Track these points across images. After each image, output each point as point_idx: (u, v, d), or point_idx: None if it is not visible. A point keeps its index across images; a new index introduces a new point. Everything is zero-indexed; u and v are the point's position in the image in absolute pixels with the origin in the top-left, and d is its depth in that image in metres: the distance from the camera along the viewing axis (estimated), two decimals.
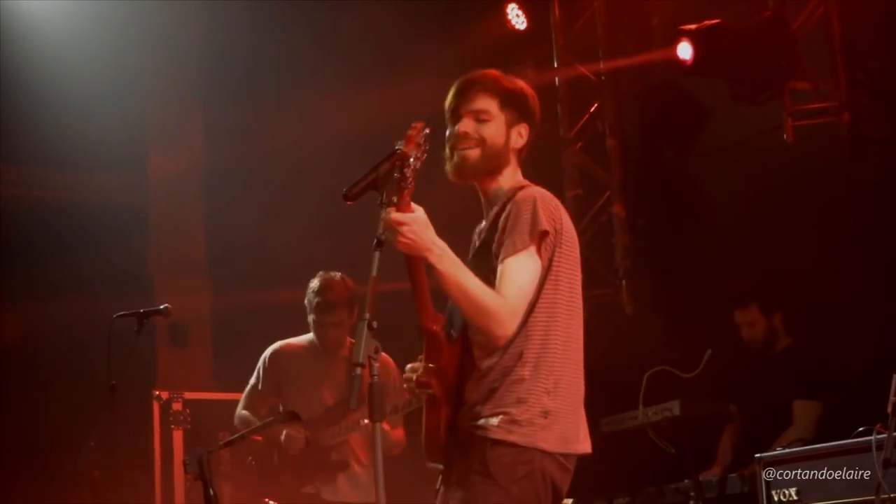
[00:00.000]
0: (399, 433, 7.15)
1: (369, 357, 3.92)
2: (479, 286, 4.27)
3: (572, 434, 4.44)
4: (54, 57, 10.05)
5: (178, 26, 10.63)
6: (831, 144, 7.75)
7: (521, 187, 4.54)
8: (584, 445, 4.50)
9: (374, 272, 4.02)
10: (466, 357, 4.44)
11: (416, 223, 4.18)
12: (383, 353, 6.96)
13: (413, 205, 4.21)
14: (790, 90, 7.96)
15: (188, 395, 8.90)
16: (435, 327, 4.41)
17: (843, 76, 7.75)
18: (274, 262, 9.99)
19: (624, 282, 9.18)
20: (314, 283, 7.28)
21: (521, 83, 4.66)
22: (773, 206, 8.24)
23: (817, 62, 7.96)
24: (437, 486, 4.55)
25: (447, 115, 4.58)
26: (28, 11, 9.98)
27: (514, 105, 4.58)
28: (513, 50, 9.62)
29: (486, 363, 4.39)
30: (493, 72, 4.64)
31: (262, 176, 10.41)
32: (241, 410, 7.41)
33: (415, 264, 4.26)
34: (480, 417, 4.35)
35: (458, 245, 4.37)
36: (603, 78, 9.44)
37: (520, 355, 4.36)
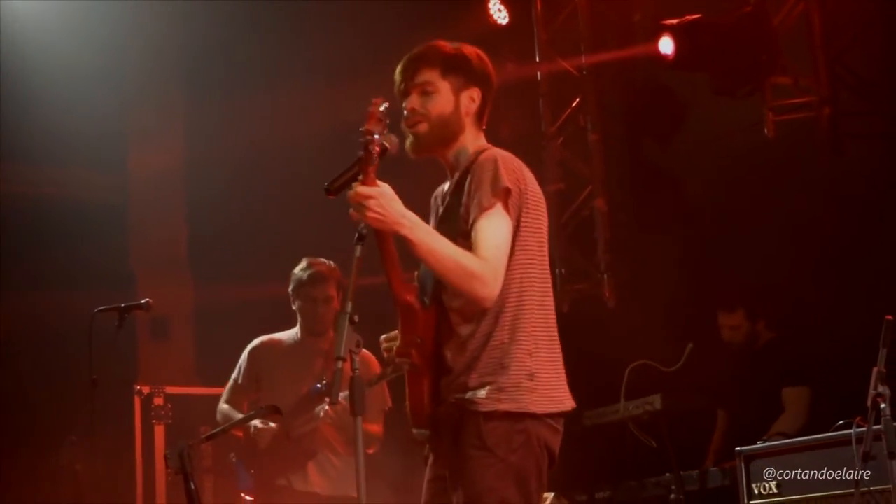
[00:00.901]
0: (375, 428, 7.13)
1: (350, 351, 3.92)
2: (456, 251, 4.25)
3: (557, 393, 4.45)
4: (34, 53, 10.02)
5: (158, 22, 10.60)
6: (812, 139, 7.77)
7: (483, 150, 4.53)
8: (569, 402, 4.50)
9: (356, 267, 4.02)
10: (444, 324, 4.43)
11: (382, 196, 4.16)
12: (364, 350, 6.96)
13: (378, 181, 4.20)
14: (771, 85, 7.99)
15: (170, 390, 8.89)
16: (409, 297, 4.39)
17: (823, 71, 7.78)
18: (255, 257, 9.97)
19: (606, 276, 9.19)
20: (300, 264, 7.27)
21: (465, 47, 4.64)
22: (754, 200, 8.26)
23: (798, 57, 7.98)
24: (426, 453, 4.57)
25: (398, 96, 4.59)
26: (7, 8, 9.94)
27: (458, 70, 4.56)
28: (494, 44, 9.61)
29: (466, 329, 4.39)
30: (435, 42, 4.63)
31: (243, 171, 10.39)
32: (222, 405, 7.40)
33: (383, 237, 4.24)
34: (467, 389, 4.35)
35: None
36: (585, 73, 9.44)
37: (497, 319, 4.36)
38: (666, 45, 8.15)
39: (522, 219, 4.40)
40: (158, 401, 8.83)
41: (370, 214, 4.13)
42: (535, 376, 4.37)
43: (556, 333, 4.50)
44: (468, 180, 4.40)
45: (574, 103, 9.50)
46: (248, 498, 7.27)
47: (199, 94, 10.88)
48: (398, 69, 4.60)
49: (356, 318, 3.93)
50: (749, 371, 7.73)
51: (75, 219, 10.42)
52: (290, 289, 7.28)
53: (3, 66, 9.85)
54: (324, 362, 7.18)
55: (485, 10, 9.53)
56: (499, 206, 4.31)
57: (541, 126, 9.57)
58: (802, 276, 7.84)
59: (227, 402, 7.38)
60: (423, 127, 4.51)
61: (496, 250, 4.29)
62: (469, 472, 4.31)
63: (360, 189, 4.14)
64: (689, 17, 8.10)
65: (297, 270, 7.26)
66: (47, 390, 9.61)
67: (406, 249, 4.26)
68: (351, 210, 4.15)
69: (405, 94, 4.56)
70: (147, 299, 7.38)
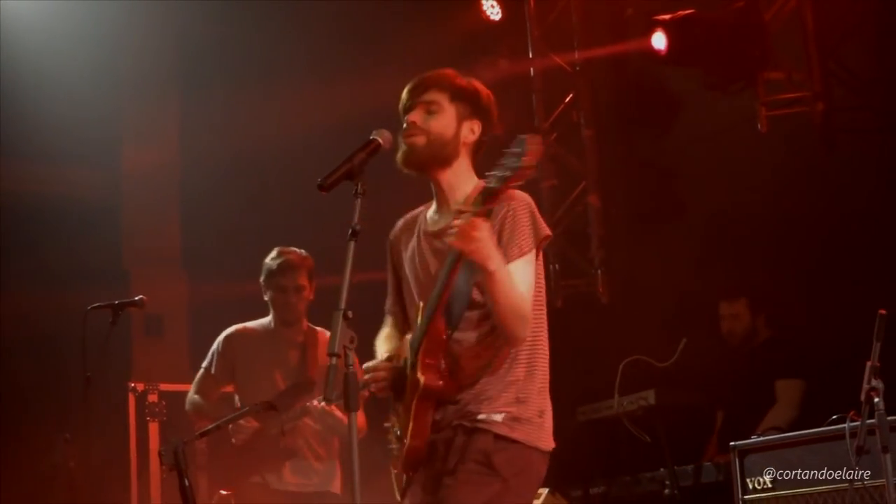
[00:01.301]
0: (359, 420, 7.11)
1: (345, 347, 3.92)
2: (521, 294, 4.30)
3: (553, 431, 4.55)
4: (28, 51, 10.01)
5: (153, 19, 10.60)
6: (805, 134, 7.78)
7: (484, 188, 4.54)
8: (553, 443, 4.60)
9: (349, 263, 4.02)
10: (452, 356, 4.45)
11: (487, 230, 4.18)
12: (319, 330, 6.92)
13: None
14: (764, 80, 7.99)
15: (164, 387, 8.88)
16: (441, 325, 4.39)
17: (816, 66, 7.77)
18: (249, 254, 9.91)
19: (599, 272, 9.20)
20: (271, 254, 7.23)
21: (475, 82, 4.67)
22: (747, 195, 8.26)
23: (790, 52, 7.98)
24: (403, 486, 4.57)
25: (402, 113, 4.60)
26: (1, 7, 9.93)
27: (466, 100, 4.59)
28: (488, 40, 9.63)
29: (475, 364, 4.43)
30: (448, 70, 4.66)
31: (237, 168, 10.39)
32: (192, 395, 7.33)
33: (457, 266, 4.26)
34: (479, 414, 4.39)
35: None
36: (578, 68, 9.45)
37: (515, 356, 4.44)
38: (659, 41, 8.15)
39: (537, 262, 4.48)
40: (153, 398, 8.82)
41: (474, 247, 4.12)
42: (544, 413, 4.50)
43: None
44: (499, 220, 4.37)
45: (567, 99, 9.51)
46: (224, 492, 7.27)
47: (193, 91, 10.87)
48: (407, 88, 4.61)
49: (350, 314, 3.92)
50: (745, 368, 7.74)
51: (69, 216, 10.41)
52: (261, 279, 7.26)
53: None
54: (298, 354, 7.17)
55: (478, 6, 9.54)
56: (533, 252, 4.40)
57: (534, 122, 9.57)
58: (796, 272, 7.86)
59: (197, 392, 7.30)
60: (420, 140, 4.52)
61: (529, 295, 4.36)
62: (467, 486, 4.34)
63: (477, 221, 4.12)
64: (681, 13, 8.10)
65: (267, 260, 7.23)
66: (41, 388, 9.61)
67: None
68: (452, 239, 4.15)
69: (409, 109, 4.57)
70: (141, 296, 7.37)
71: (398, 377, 4.52)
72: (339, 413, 6.88)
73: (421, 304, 4.48)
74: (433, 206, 4.67)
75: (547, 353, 4.54)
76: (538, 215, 4.45)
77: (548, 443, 4.50)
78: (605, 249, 9.22)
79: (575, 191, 9.40)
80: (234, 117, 10.27)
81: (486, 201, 4.12)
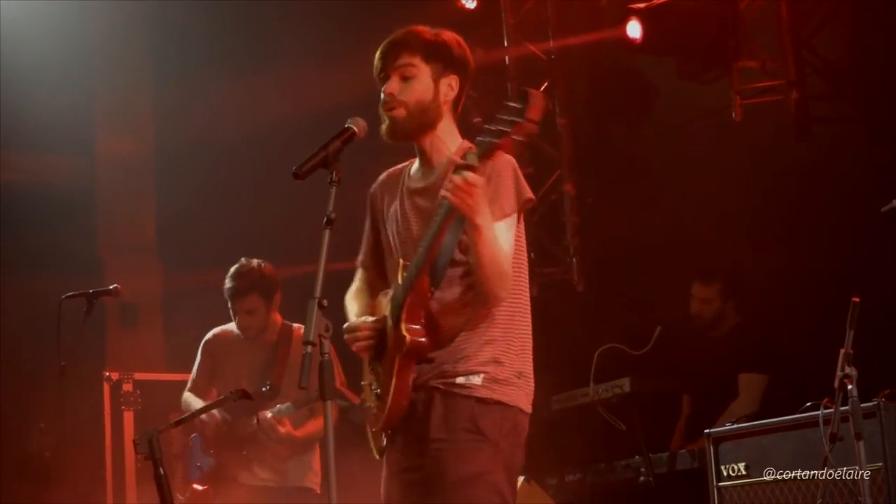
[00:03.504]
0: (308, 428, 7.12)
1: (320, 335, 3.92)
2: (504, 252, 4.30)
3: (532, 396, 4.54)
4: (0, 38, 9.97)
5: (126, 5, 10.56)
6: (779, 123, 7.79)
7: (469, 147, 4.46)
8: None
9: (324, 251, 4.02)
10: (429, 314, 4.43)
11: (483, 185, 4.16)
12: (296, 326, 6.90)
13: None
14: (738, 69, 8.00)
15: (138, 376, 8.89)
16: (426, 282, 4.37)
17: (790, 55, 7.79)
18: (224, 243, 9.94)
19: (574, 260, 9.20)
20: (230, 270, 7.24)
21: (444, 33, 4.65)
22: (721, 183, 8.28)
23: (765, 41, 7.99)
24: (381, 447, 4.57)
25: (377, 79, 4.58)
26: None
27: (439, 56, 4.57)
28: (462, 29, 9.57)
29: (450, 322, 4.41)
30: (415, 27, 4.63)
31: (212, 156, 10.37)
32: (185, 392, 7.39)
33: (448, 221, 4.23)
34: (456, 376, 4.39)
35: None
36: (553, 57, 9.44)
37: (491, 316, 4.42)
38: (633, 29, 8.16)
39: (520, 225, 4.49)
40: (127, 387, 8.82)
41: (469, 202, 4.10)
42: (523, 376, 4.49)
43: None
44: (484, 178, 4.28)
45: (542, 87, 9.50)
46: (199, 487, 7.28)
47: (168, 78, 10.85)
48: (378, 53, 4.59)
49: (325, 302, 3.92)
50: (712, 355, 7.76)
51: (43, 204, 10.38)
52: None
53: None
54: (268, 356, 7.20)
55: None
56: (515, 214, 4.40)
57: None
58: (768, 260, 7.88)
59: (190, 389, 7.38)
60: (401, 112, 4.50)
61: (510, 254, 4.36)
62: (460, 455, 4.34)
63: (472, 178, 4.08)
64: (656, 1, 8.11)
65: (226, 279, 7.24)
66: (15, 377, 9.58)
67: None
68: (445, 191, 4.12)
69: (385, 77, 4.55)
70: (115, 285, 7.37)
71: (378, 336, 4.49)
72: (283, 429, 6.89)
73: (402, 261, 4.46)
74: (416, 164, 4.66)
75: (528, 316, 4.53)
76: (521, 177, 4.43)
77: (527, 404, 4.49)
78: (580, 237, 9.22)
79: (550, 179, 9.40)
80: (208, 105, 10.25)
81: (484, 156, 4.10)
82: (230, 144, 10.21)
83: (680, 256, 8.34)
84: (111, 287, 7.34)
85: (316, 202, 4.19)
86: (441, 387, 4.40)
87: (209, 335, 7.41)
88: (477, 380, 4.38)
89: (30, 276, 9.63)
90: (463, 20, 9.52)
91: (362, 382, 4.66)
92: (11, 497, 8.79)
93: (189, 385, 7.42)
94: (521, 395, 4.46)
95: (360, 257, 4.80)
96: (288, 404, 6.84)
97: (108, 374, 8.82)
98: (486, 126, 4.08)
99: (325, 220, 4.06)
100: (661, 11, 8.09)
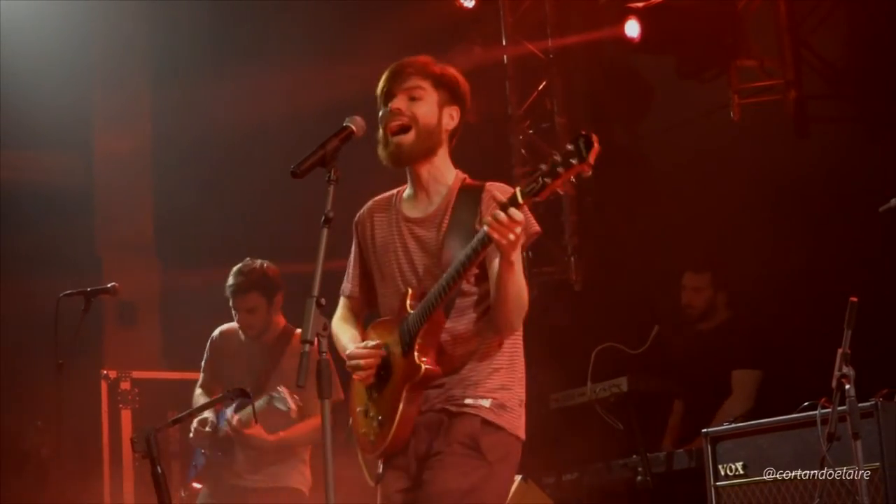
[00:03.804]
0: (292, 431, 7.07)
1: (318, 334, 3.92)
2: (525, 287, 4.33)
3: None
4: None
5: (125, 5, 10.56)
6: (777, 122, 7.80)
7: (465, 178, 4.61)
8: None
9: (322, 250, 4.02)
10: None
11: (523, 224, 4.16)
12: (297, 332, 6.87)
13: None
14: (736, 68, 8.01)
15: (136, 375, 8.88)
16: (444, 316, 4.42)
17: (788, 54, 7.80)
18: (223, 241, 9.95)
19: (573, 259, 9.20)
20: (234, 268, 7.23)
21: (451, 69, 4.67)
22: (719, 183, 8.28)
23: (763, 40, 8.00)
24: (379, 472, 4.56)
25: (380, 100, 4.58)
26: None
27: (446, 86, 4.59)
28: (461, 28, 9.61)
29: (459, 350, 4.45)
30: (425, 57, 4.65)
31: (210, 154, 10.36)
32: (196, 388, 7.41)
33: (480, 256, 4.25)
34: (465, 398, 4.43)
35: None
36: (551, 56, 9.44)
37: (499, 346, 4.47)
38: (632, 28, 8.16)
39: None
40: (125, 385, 8.82)
41: (510, 238, 4.10)
42: (522, 404, 4.54)
43: None
44: (482, 210, 4.40)
45: (541, 87, 9.50)
46: (197, 486, 7.29)
47: (166, 77, 10.84)
48: (386, 74, 4.59)
49: (323, 301, 3.92)
50: (705, 351, 7.75)
51: (40, 202, 10.38)
52: None
53: None
54: (264, 357, 7.17)
55: None
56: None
57: (507, 109, 9.55)
58: (765, 259, 7.87)
59: (201, 386, 7.40)
60: (409, 137, 4.50)
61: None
62: (455, 467, 4.37)
63: (517, 216, 4.09)
64: (654, 0, 8.11)
65: (229, 276, 7.23)
66: (13, 375, 9.57)
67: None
68: (487, 226, 4.11)
69: (390, 96, 4.55)
70: (113, 283, 7.36)
71: (382, 363, 4.50)
72: (249, 431, 6.86)
73: (409, 290, 4.47)
74: (407, 191, 4.66)
75: (522, 345, 4.58)
76: (529, 211, 4.40)
77: (523, 433, 4.53)
78: (579, 237, 9.22)
79: None
80: (207, 103, 10.24)
81: (532, 194, 4.08)
82: (228, 143, 10.21)
83: (678, 255, 8.33)
84: (109, 285, 7.33)
85: (314, 201, 4.18)
86: (450, 408, 4.44)
87: (216, 332, 7.41)
88: (485, 403, 4.43)
89: (27, 274, 9.63)
90: (461, 19, 9.53)
91: (357, 408, 4.65)
92: (9, 495, 8.79)
93: (199, 381, 7.44)
94: (520, 423, 4.52)
95: (347, 285, 4.79)
96: (249, 408, 6.81)
97: (105, 372, 8.82)
98: (541, 166, 4.07)
99: (323, 218, 4.06)
100: (660, 10, 8.10)
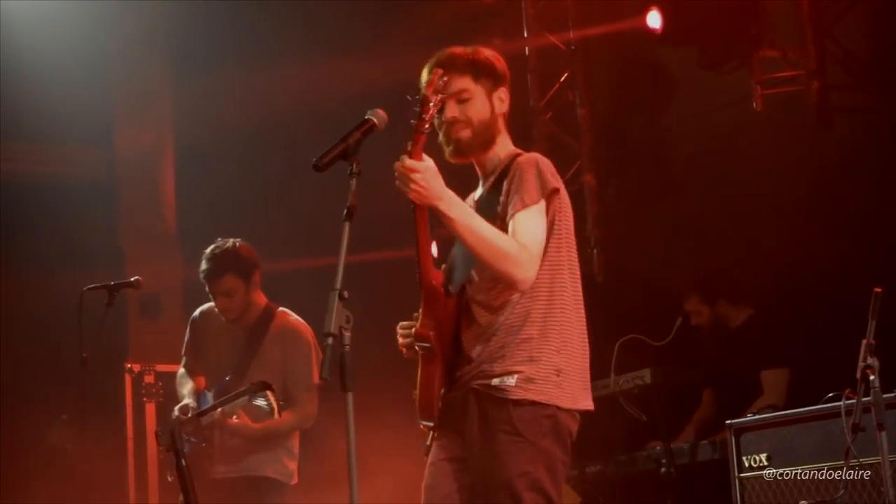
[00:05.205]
0: (310, 408, 7.01)
1: (341, 327, 3.91)
2: (494, 231, 4.37)
3: (580, 392, 4.60)
4: (21, 30, 9.98)
5: None
6: (800, 113, 7.77)
7: (516, 154, 4.67)
8: (589, 402, 4.67)
9: (345, 243, 4.02)
10: (465, 314, 4.55)
11: (427, 171, 4.26)
12: (300, 320, 6.84)
13: (423, 155, 4.30)
14: (759, 59, 7.98)
15: (160, 368, 8.90)
16: (435, 280, 4.49)
17: (811, 45, 7.77)
18: (244, 233, 9.92)
19: (595, 251, 9.18)
20: (205, 252, 7.09)
21: (483, 51, 4.73)
22: (742, 174, 8.26)
23: (786, 31, 7.97)
24: (428, 443, 4.65)
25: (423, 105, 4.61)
26: None
27: (486, 74, 4.66)
28: (483, 20, 9.60)
29: (488, 320, 4.50)
30: (456, 49, 4.69)
31: (232, 147, 10.37)
32: (179, 369, 7.37)
33: (420, 217, 4.35)
34: (493, 377, 4.47)
35: None
36: (573, 47, 9.42)
37: (527, 314, 4.49)
38: (654, 19, 8.15)
39: (557, 219, 4.55)
40: (149, 378, 8.84)
41: (413, 187, 4.23)
42: (563, 373, 4.52)
43: (586, 334, 4.66)
44: (508, 180, 4.50)
45: (562, 78, 9.49)
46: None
47: (187, 69, 10.84)
48: (424, 76, 4.62)
49: (346, 294, 3.92)
50: (730, 350, 7.73)
51: (63, 196, 10.40)
52: None
53: None
54: (245, 339, 7.07)
55: None
56: (541, 204, 4.46)
57: (529, 101, 9.55)
58: (789, 251, 7.85)
59: (184, 367, 7.36)
60: (466, 133, 4.61)
61: (533, 239, 4.43)
62: (500, 456, 4.43)
63: (408, 163, 4.23)
64: None
65: (201, 261, 7.11)
66: (37, 370, 9.59)
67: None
68: (396, 182, 4.26)
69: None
70: (137, 277, 7.36)
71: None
72: (233, 421, 6.77)
73: (444, 266, 4.64)
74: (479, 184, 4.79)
75: (569, 312, 4.58)
76: (546, 170, 4.50)
77: (566, 402, 4.52)
78: (601, 228, 9.20)
79: (570, 170, 9.38)
80: (228, 96, 10.25)
81: (413, 140, 4.26)
82: (250, 135, 10.22)
83: (700, 247, 8.32)
84: (133, 279, 7.32)
85: (337, 194, 4.19)
86: (478, 388, 4.48)
87: (196, 313, 7.30)
88: (511, 381, 4.45)
89: (51, 268, 9.65)
90: (483, 11, 9.52)
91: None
92: (35, 489, 8.82)
93: (182, 363, 7.36)
94: (559, 392, 4.50)
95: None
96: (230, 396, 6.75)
97: (129, 365, 8.85)
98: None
99: (346, 211, 4.06)
100: (682, 1, 8.09)
